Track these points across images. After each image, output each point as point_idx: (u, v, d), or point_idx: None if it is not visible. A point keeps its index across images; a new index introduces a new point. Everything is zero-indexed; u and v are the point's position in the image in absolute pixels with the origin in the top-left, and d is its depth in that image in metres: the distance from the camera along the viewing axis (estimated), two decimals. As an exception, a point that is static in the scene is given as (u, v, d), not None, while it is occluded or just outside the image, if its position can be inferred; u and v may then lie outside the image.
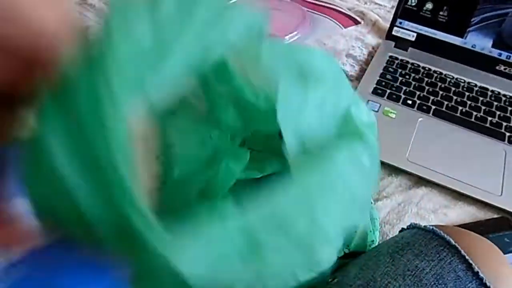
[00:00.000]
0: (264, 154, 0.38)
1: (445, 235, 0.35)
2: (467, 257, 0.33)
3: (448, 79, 0.71)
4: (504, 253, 0.36)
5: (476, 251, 0.34)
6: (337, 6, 0.77)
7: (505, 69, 0.72)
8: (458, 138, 0.63)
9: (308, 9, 0.77)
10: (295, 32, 0.69)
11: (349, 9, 0.86)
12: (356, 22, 0.71)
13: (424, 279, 0.32)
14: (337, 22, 0.72)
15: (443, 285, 0.32)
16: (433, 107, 0.66)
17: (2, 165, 0.22)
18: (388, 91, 0.68)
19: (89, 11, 0.84)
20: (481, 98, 0.68)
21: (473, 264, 0.33)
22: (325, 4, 0.78)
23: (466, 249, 0.34)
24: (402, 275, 0.33)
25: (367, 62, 0.75)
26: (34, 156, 0.20)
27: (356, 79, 0.73)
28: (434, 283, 0.32)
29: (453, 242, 0.34)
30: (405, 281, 0.33)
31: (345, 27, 0.71)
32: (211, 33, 0.23)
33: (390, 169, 0.59)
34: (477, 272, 0.32)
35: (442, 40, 0.74)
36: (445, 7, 0.72)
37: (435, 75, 0.72)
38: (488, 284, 0.31)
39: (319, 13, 0.75)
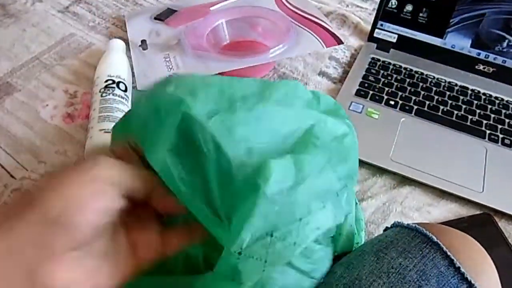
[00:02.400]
0: None
1: (428, 233, 0.36)
2: (448, 253, 0.34)
3: (429, 79, 0.72)
4: (486, 249, 0.37)
5: (457, 247, 0.35)
6: (323, 21, 0.77)
7: (484, 68, 0.74)
8: (440, 137, 0.64)
9: (293, 20, 0.77)
10: (280, 45, 0.70)
11: (331, 12, 0.88)
12: (339, 42, 0.72)
13: (407, 276, 0.33)
14: (320, 40, 0.72)
15: (426, 281, 0.33)
16: (415, 107, 0.68)
17: None
18: (371, 92, 0.69)
19: (72, 19, 0.84)
20: (461, 97, 0.70)
21: (455, 260, 0.33)
22: (312, 18, 0.78)
23: (448, 245, 0.35)
24: (387, 273, 0.34)
25: (349, 64, 0.77)
26: None
27: (339, 81, 0.74)
28: (418, 280, 0.33)
29: (435, 239, 0.35)
30: (390, 278, 0.33)
31: (327, 47, 0.71)
32: None
33: (374, 169, 0.60)
34: (459, 267, 0.33)
35: (423, 41, 0.76)
36: (424, 9, 0.74)
37: (417, 75, 0.73)
38: (469, 278, 0.32)
39: (304, 27, 0.75)
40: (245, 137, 0.31)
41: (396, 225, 0.39)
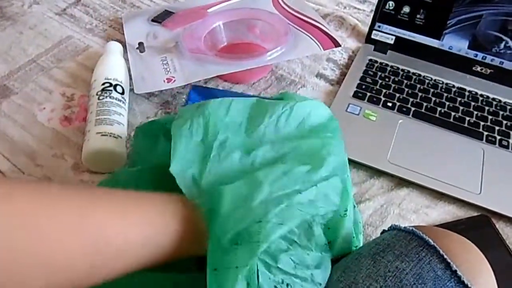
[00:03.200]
0: None
1: (424, 236, 0.36)
2: (445, 256, 0.34)
3: (427, 81, 0.73)
4: (483, 250, 0.37)
5: (454, 250, 0.35)
6: (320, 24, 0.76)
7: (481, 69, 0.74)
8: (437, 138, 0.64)
9: (291, 23, 0.77)
10: (278, 48, 0.69)
11: (328, 14, 0.88)
12: (336, 45, 0.72)
13: (404, 280, 0.33)
14: (318, 43, 0.72)
15: (422, 285, 0.33)
16: (413, 108, 0.68)
17: None
18: (369, 94, 0.69)
19: (69, 21, 0.84)
20: (459, 99, 0.70)
21: (451, 263, 0.33)
22: (310, 20, 0.78)
23: (445, 248, 0.35)
24: (383, 276, 0.34)
25: (347, 66, 0.77)
26: None
27: (337, 83, 0.74)
28: (414, 283, 0.33)
29: (432, 242, 0.35)
30: (386, 282, 0.33)
31: (324, 49, 0.71)
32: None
33: (372, 171, 0.60)
34: (455, 270, 0.33)
35: (420, 43, 0.76)
36: (421, 10, 0.74)
37: (414, 77, 0.73)
38: (466, 282, 0.32)
39: (302, 30, 0.75)
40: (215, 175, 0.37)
41: (393, 228, 0.39)
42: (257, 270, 0.31)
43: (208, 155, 0.38)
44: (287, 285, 0.33)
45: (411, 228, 0.37)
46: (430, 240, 0.35)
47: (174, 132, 0.40)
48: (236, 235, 0.32)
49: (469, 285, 0.32)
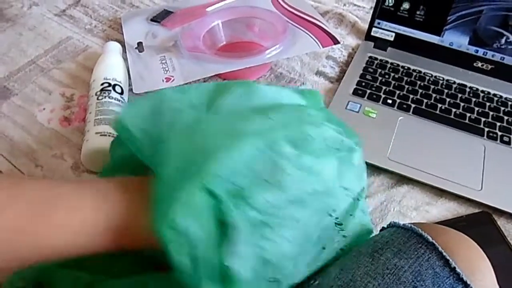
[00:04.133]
0: None
1: (423, 233, 0.35)
2: (444, 253, 0.33)
3: (427, 77, 0.72)
4: (483, 248, 0.37)
5: (453, 247, 0.35)
6: (319, 21, 0.76)
7: (482, 65, 0.73)
8: (438, 135, 0.63)
9: (290, 20, 0.77)
10: (277, 46, 0.69)
11: (328, 12, 0.87)
12: (335, 42, 0.71)
13: (402, 277, 0.33)
14: (317, 40, 0.72)
15: (421, 282, 0.32)
16: (413, 105, 0.67)
17: None
18: (368, 91, 0.69)
19: (68, 22, 0.84)
20: (459, 95, 0.69)
21: (450, 260, 0.33)
22: (308, 18, 0.78)
23: (444, 245, 0.34)
24: (382, 274, 0.33)
25: (347, 64, 0.76)
26: None
27: (337, 81, 0.73)
28: (413, 281, 0.32)
29: (431, 239, 0.34)
30: (384, 279, 0.33)
31: (323, 47, 0.71)
32: None
33: (372, 168, 0.60)
34: (454, 267, 0.32)
35: (420, 39, 0.75)
36: (421, 7, 0.73)
37: (414, 73, 0.73)
38: (464, 279, 0.32)
39: (301, 27, 0.75)
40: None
41: (392, 225, 0.39)
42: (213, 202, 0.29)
43: (159, 114, 0.36)
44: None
45: (410, 225, 0.37)
46: (429, 237, 0.35)
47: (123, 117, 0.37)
48: (180, 163, 0.31)
49: (468, 282, 0.32)
